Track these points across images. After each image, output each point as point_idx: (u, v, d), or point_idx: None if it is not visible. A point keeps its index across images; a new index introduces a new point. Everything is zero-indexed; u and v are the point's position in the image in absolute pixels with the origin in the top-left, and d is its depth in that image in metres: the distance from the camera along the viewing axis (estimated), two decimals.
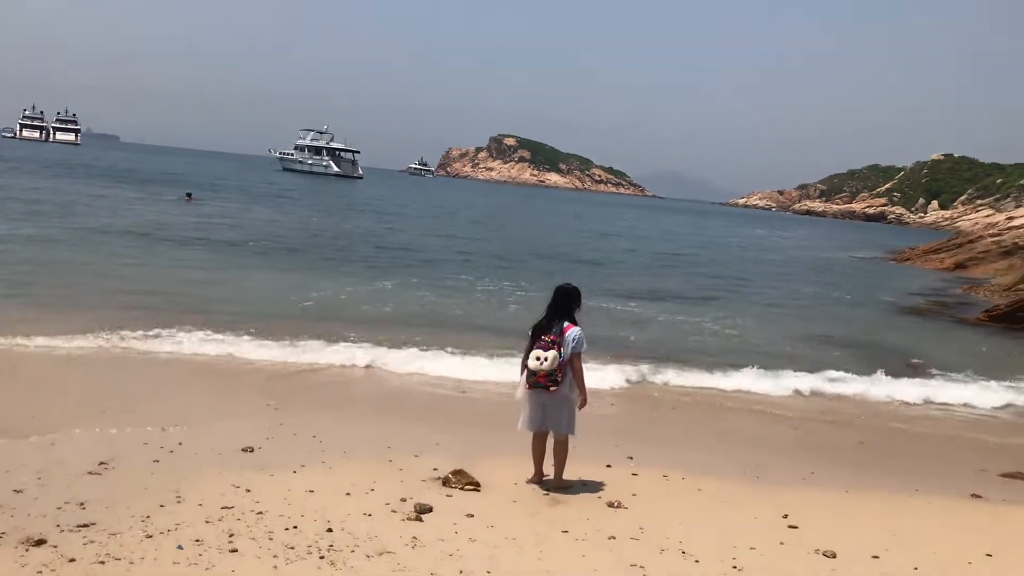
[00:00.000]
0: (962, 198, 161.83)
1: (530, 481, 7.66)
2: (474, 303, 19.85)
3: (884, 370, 14.52)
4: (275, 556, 5.54)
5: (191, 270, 20.56)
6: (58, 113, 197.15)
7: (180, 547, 5.55)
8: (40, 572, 5.03)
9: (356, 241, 32.72)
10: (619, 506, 7.17)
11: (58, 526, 5.75)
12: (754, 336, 18.65)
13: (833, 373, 14.22)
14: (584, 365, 7.57)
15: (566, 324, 7.43)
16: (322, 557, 5.59)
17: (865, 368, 14.95)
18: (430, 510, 6.65)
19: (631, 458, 8.72)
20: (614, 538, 6.38)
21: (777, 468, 8.98)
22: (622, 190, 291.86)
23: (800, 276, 36.92)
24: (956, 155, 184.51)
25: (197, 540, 5.67)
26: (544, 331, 7.40)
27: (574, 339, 7.38)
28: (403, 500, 6.85)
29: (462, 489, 7.27)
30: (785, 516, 7.21)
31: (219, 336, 12.84)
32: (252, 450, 7.95)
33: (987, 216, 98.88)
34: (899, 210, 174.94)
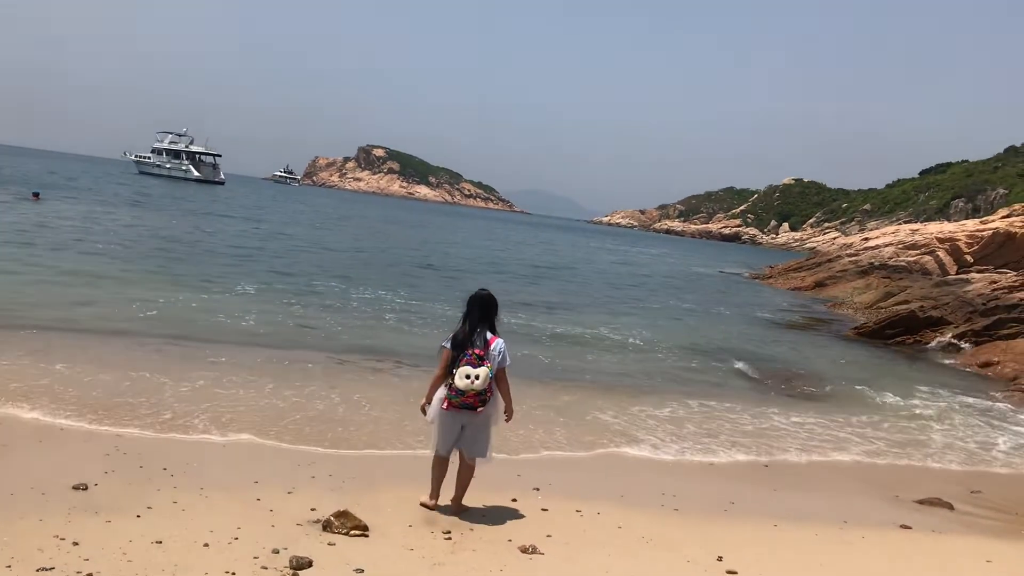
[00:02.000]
0: (811, 221, 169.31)
1: (424, 504, 6.82)
2: (348, 314, 18.43)
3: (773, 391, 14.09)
4: None
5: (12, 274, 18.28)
6: None
7: None
8: None
9: (214, 247, 30.53)
10: (534, 551, 6.10)
11: None
12: (652, 347, 18.02)
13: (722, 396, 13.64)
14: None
15: (489, 335, 6.68)
16: None
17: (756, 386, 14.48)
18: (309, 564, 5.40)
19: (537, 489, 7.69)
20: None
21: (693, 497, 8.15)
22: (491, 205, 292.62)
23: (677, 290, 36.97)
24: (806, 179, 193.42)
25: None
26: (467, 344, 6.56)
27: (499, 352, 6.65)
28: (275, 552, 5.56)
29: (347, 535, 6.04)
30: (720, 559, 6.33)
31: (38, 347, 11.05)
32: (85, 487, 6.46)
33: (834, 237, 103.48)
34: (753, 231, 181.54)
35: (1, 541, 5.24)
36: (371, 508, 6.53)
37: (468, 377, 6.45)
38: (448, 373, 6.57)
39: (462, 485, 6.86)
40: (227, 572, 5.16)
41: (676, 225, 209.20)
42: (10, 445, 7.36)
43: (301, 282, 22.28)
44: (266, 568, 5.29)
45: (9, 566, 4.92)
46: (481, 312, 6.71)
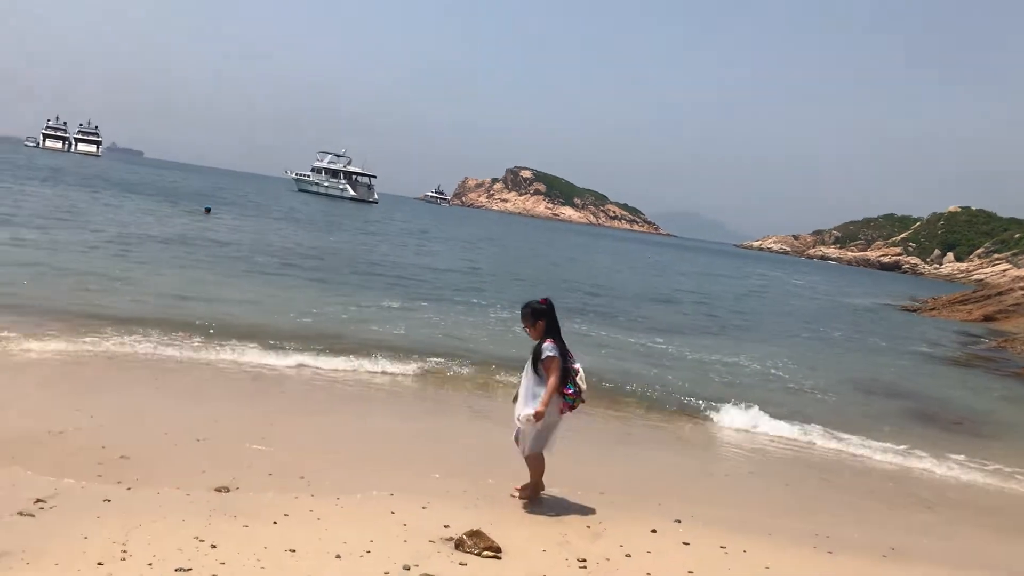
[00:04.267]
0: (979, 251, 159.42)
1: (527, 495, 7.30)
2: (488, 327, 18.44)
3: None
4: None
5: (195, 283, 19.23)
6: (80, 125, 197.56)
7: None
8: None
9: (373, 263, 31.39)
10: None
11: None
12: (804, 381, 17.17)
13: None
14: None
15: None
16: None
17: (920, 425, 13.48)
18: None
19: (679, 521, 7.29)
20: None
21: (848, 539, 7.54)
22: (636, 227, 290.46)
23: (831, 320, 35.35)
24: (973, 208, 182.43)
25: None
26: (567, 352, 7.15)
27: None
28: (406, 568, 5.45)
29: (479, 555, 5.86)
30: None
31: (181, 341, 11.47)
32: (227, 490, 6.57)
33: (1004, 270, 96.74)
34: (914, 260, 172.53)
35: (144, 539, 5.34)
36: (505, 529, 6.33)
37: (583, 380, 7.14)
38: (563, 380, 7.00)
39: (535, 474, 7.30)
40: None
41: (831, 252, 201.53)
42: (172, 442, 7.61)
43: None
44: None
45: (150, 564, 5.00)
46: (556, 321, 7.19)
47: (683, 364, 17.32)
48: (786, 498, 8.90)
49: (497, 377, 12.90)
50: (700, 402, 13.00)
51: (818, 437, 11.78)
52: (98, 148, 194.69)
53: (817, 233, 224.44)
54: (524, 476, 7.33)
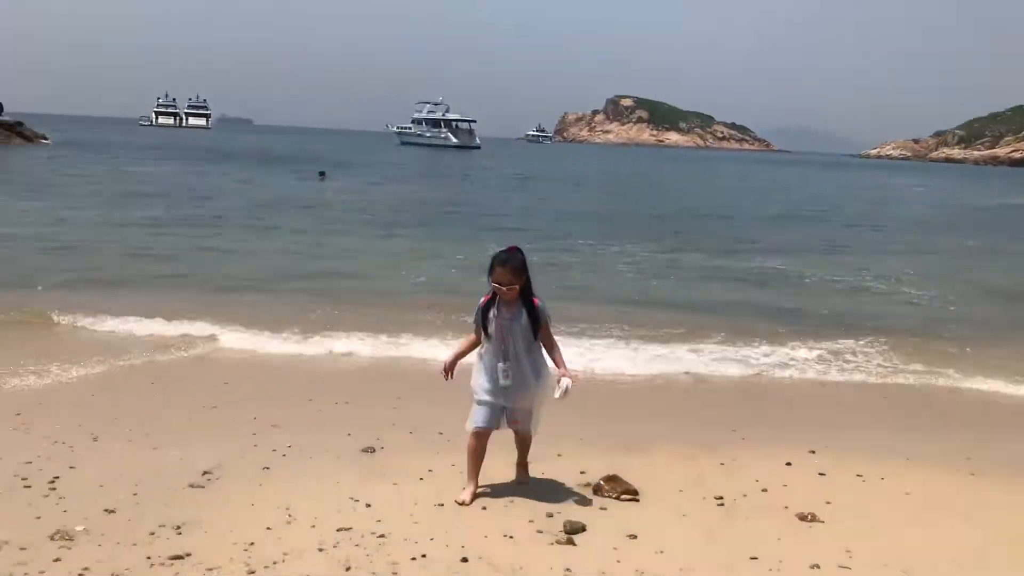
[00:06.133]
0: None
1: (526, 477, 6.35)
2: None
3: None
4: None
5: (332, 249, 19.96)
6: (190, 99, 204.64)
7: None
8: None
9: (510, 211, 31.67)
10: (813, 519, 5.81)
11: (148, 558, 4.84)
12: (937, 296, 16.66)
13: None
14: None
15: None
16: None
17: None
18: (583, 529, 5.47)
19: (813, 452, 7.31)
20: (817, 567, 5.05)
21: (997, 458, 7.39)
22: (746, 145, 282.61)
23: (960, 227, 33.80)
24: None
25: None
26: None
27: None
28: (549, 516, 5.69)
29: (618, 499, 6.06)
30: None
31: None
32: (372, 451, 6.96)
33: None
34: None
35: (304, 503, 5.74)
36: (640, 472, 6.49)
37: None
38: None
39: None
40: (506, 535, 5.35)
41: (956, 152, 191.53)
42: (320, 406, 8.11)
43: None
44: (542, 532, 5.42)
45: (313, 526, 5.38)
46: None
47: (803, 286, 17.03)
48: (920, 422, 8.77)
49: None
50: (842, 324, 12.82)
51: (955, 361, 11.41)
52: (208, 121, 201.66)
53: (939, 135, 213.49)
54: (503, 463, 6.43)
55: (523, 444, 6.28)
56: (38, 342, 10.60)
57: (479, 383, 6.00)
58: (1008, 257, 23.99)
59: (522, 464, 6.34)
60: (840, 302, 15.76)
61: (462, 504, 5.83)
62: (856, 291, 17.22)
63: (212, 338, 10.90)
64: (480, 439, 6.01)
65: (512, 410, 5.98)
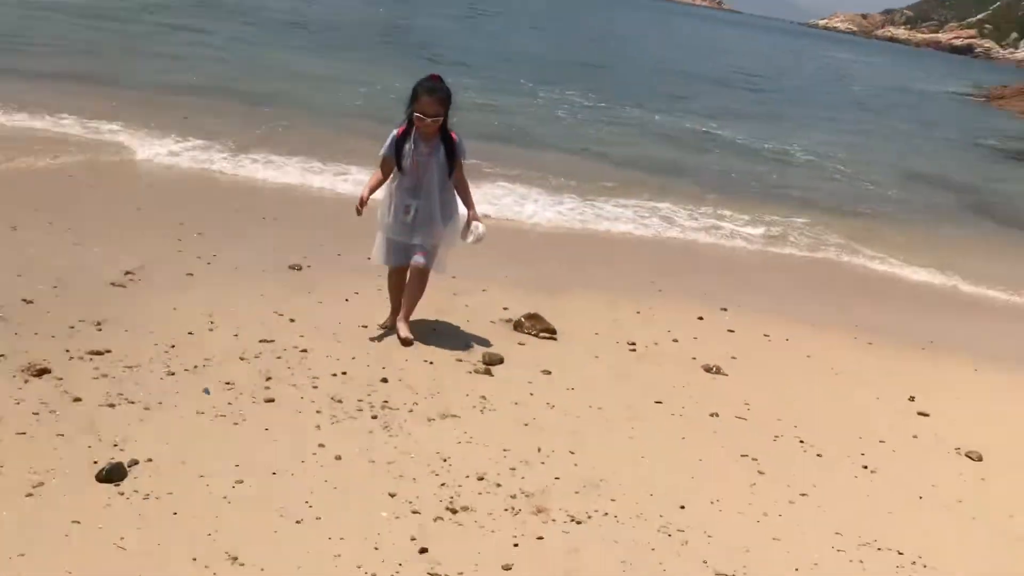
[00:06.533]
0: None
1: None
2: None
3: None
4: (319, 412, 4.62)
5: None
6: None
7: (207, 391, 4.64)
8: (36, 414, 4.14)
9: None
10: (717, 372, 6.14)
11: (67, 351, 4.85)
12: (863, 172, 17.06)
13: None
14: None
15: None
16: (374, 417, 4.66)
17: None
18: (501, 361, 5.67)
19: (725, 309, 7.62)
20: (716, 415, 5.37)
21: (891, 331, 7.84)
22: (697, 0, 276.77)
23: (895, 108, 34.28)
24: None
25: (228, 383, 4.75)
26: None
27: None
28: (469, 346, 5.87)
29: (536, 336, 6.27)
30: (912, 399, 6.14)
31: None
32: (299, 268, 6.97)
33: None
34: (988, 44, 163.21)
35: (228, 312, 5.77)
36: (560, 313, 6.68)
37: None
38: None
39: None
40: (426, 360, 5.52)
41: (901, 33, 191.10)
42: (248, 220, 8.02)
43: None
44: (461, 360, 5.60)
45: (236, 335, 5.44)
46: None
47: (735, 150, 17.23)
48: (827, 293, 9.16)
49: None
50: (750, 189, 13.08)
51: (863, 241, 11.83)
52: None
53: (887, 12, 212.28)
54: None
55: (415, 290, 5.84)
56: None
57: (386, 219, 5.77)
58: (936, 144, 24.54)
59: (405, 318, 5.84)
60: (768, 171, 16.01)
61: (383, 327, 5.91)
62: (785, 162, 17.48)
63: (139, 141, 10.47)
64: (397, 276, 5.92)
65: (417, 246, 5.75)
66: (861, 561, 4.00)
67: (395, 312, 5.96)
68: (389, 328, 5.92)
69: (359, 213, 5.69)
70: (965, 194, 16.78)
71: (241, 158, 10.36)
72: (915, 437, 5.53)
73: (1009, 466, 5.32)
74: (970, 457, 5.33)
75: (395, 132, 5.68)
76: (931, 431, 5.66)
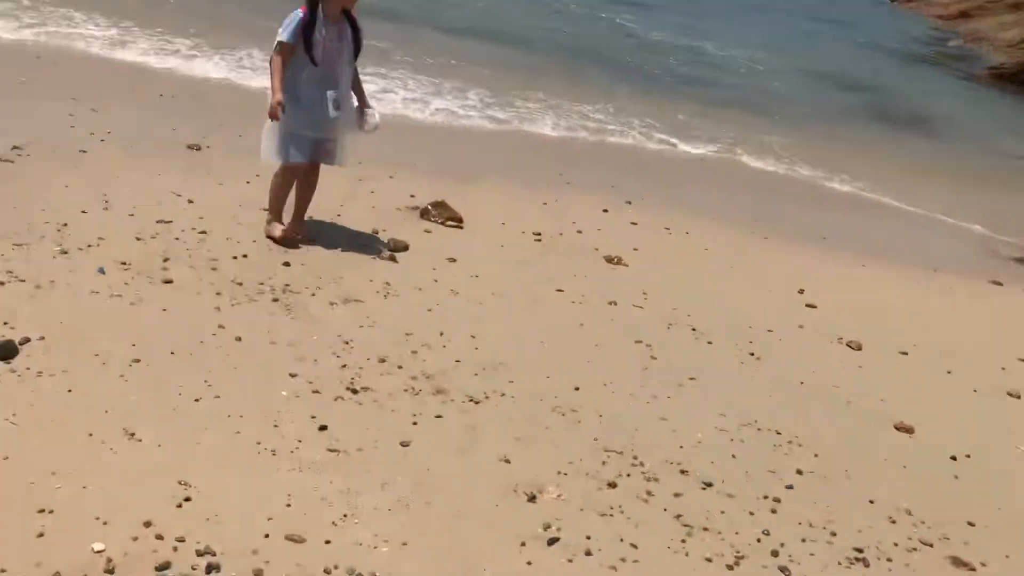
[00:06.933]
0: None
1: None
2: None
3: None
4: (218, 293, 4.57)
5: None
6: None
7: (102, 271, 4.53)
8: None
9: None
10: (619, 263, 6.29)
11: None
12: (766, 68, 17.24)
13: None
14: None
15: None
16: (275, 300, 4.64)
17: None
18: (405, 248, 5.69)
19: (629, 203, 7.75)
20: (615, 304, 5.53)
21: (786, 226, 8.14)
22: None
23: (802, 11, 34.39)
24: None
25: (123, 263, 4.65)
26: None
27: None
28: (375, 232, 5.85)
29: (443, 224, 6.29)
30: (801, 292, 6.43)
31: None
32: (198, 148, 6.76)
33: None
34: None
35: (123, 191, 5.58)
36: (466, 201, 6.69)
37: None
38: None
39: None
40: (329, 247, 5.47)
41: None
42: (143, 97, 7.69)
43: None
44: (366, 246, 5.59)
45: (131, 215, 5.29)
46: None
47: (645, 46, 17.16)
48: (729, 189, 9.38)
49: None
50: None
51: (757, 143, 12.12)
52: None
53: None
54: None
55: (311, 187, 5.52)
56: None
57: (296, 115, 5.16)
58: (851, 47, 24.86)
59: (301, 215, 5.51)
60: (678, 67, 16.02)
61: (276, 240, 5.32)
62: (696, 59, 17.49)
63: (29, 10, 9.80)
64: (296, 173, 5.40)
65: (326, 140, 5.39)
66: (742, 440, 4.24)
67: (286, 215, 5.47)
68: (291, 238, 5.37)
69: (277, 118, 5.11)
70: (864, 95, 17.15)
71: (135, 32, 9.85)
72: (801, 327, 5.82)
73: (885, 354, 5.67)
74: (850, 346, 5.66)
75: (300, 15, 5.06)
76: (816, 321, 5.96)
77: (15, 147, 5.95)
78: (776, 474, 4.00)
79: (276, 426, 3.59)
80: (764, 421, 4.45)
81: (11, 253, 4.51)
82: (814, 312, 6.13)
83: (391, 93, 10.00)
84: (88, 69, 8.53)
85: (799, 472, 4.05)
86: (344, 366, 4.14)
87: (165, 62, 9.34)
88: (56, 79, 7.89)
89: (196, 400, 3.65)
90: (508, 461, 3.68)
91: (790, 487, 3.91)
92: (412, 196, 6.62)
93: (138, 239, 4.99)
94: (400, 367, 4.24)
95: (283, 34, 5.05)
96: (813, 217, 8.80)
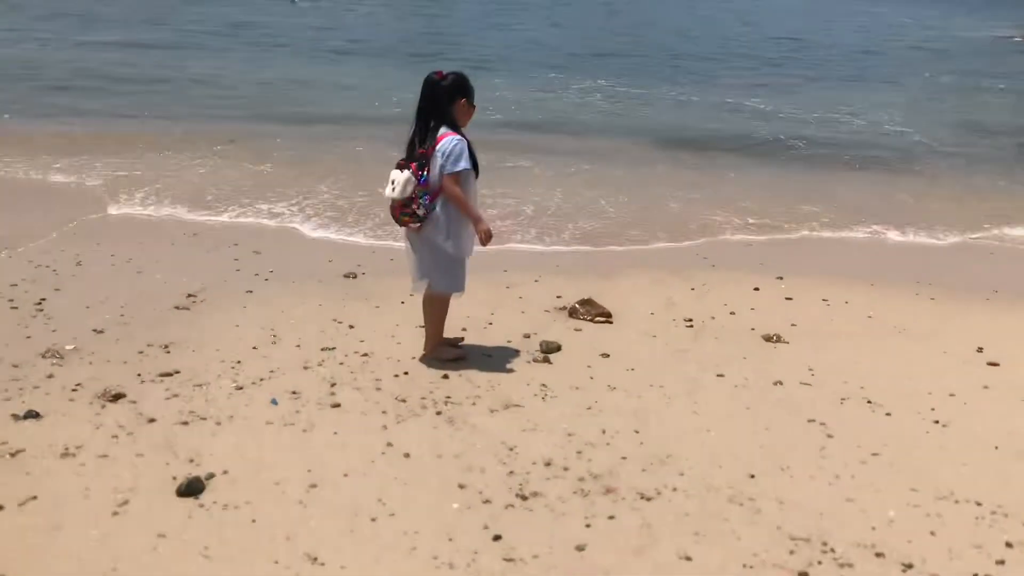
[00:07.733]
0: None
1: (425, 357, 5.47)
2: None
3: None
4: (384, 412, 4.71)
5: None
6: None
7: (275, 402, 4.77)
8: (115, 437, 4.30)
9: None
10: (778, 340, 6.09)
11: (139, 375, 5.03)
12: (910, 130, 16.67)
13: None
14: None
15: (442, 131, 5.01)
16: (439, 413, 4.73)
17: None
18: (558, 349, 5.71)
19: (781, 278, 7.54)
20: (780, 383, 5.33)
21: (951, 285, 7.69)
22: None
23: (934, 61, 33.33)
24: None
25: (294, 392, 4.88)
26: (410, 145, 5.09)
27: (444, 153, 4.94)
28: (526, 336, 5.92)
29: (592, 321, 6.29)
30: (980, 350, 6.02)
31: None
32: (354, 276, 7.10)
33: None
34: None
35: (289, 324, 5.91)
36: (613, 297, 6.70)
37: (391, 183, 4.98)
38: None
39: (428, 320, 5.46)
40: (484, 354, 5.57)
41: None
42: (292, 243, 8.20)
43: None
44: (519, 351, 5.65)
45: (298, 345, 5.57)
46: (424, 101, 5.04)
47: (778, 118, 16.95)
48: (884, 251, 8.99)
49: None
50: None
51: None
52: None
53: None
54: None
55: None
56: None
57: (468, 242, 5.24)
58: (986, 93, 23.80)
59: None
60: (815, 134, 15.70)
61: (450, 360, 5.40)
62: (831, 125, 17.12)
63: None
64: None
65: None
66: (939, 515, 3.94)
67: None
68: (462, 357, 5.49)
69: (487, 242, 5.15)
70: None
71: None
72: (986, 387, 5.42)
73: None
74: None
75: (462, 141, 5.00)
76: (1002, 380, 5.54)
77: (190, 295, 6.42)
78: (983, 549, 3.69)
79: (451, 540, 3.60)
80: (961, 492, 4.13)
81: (192, 393, 4.82)
82: (998, 370, 5.71)
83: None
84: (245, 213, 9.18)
85: (1008, 545, 3.72)
86: (511, 472, 4.14)
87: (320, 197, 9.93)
88: (219, 230, 8.50)
89: (372, 520, 3.72)
90: (689, 558, 3.55)
91: (1001, 562, 3.59)
92: (559, 297, 6.69)
93: (305, 368, 5.24)
94: (566, 468, 4.20)
95: (463, 163, 4.94)
96: (981, 273, 8.27)
